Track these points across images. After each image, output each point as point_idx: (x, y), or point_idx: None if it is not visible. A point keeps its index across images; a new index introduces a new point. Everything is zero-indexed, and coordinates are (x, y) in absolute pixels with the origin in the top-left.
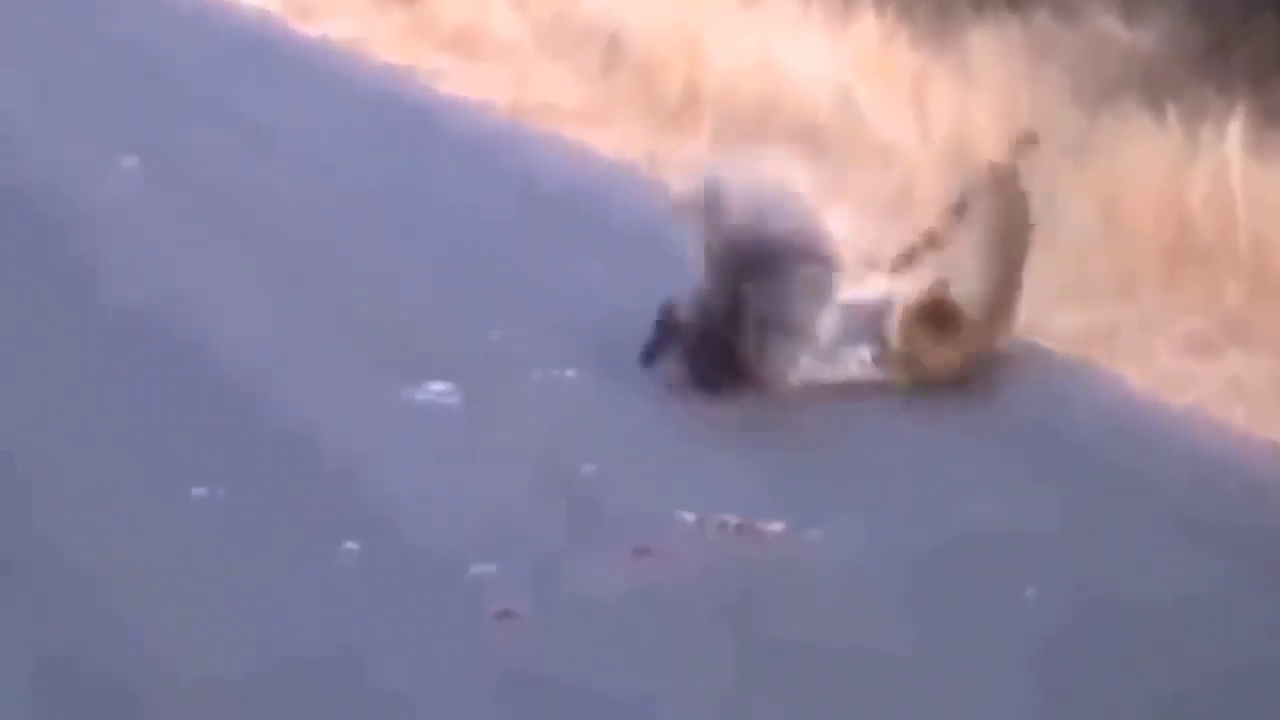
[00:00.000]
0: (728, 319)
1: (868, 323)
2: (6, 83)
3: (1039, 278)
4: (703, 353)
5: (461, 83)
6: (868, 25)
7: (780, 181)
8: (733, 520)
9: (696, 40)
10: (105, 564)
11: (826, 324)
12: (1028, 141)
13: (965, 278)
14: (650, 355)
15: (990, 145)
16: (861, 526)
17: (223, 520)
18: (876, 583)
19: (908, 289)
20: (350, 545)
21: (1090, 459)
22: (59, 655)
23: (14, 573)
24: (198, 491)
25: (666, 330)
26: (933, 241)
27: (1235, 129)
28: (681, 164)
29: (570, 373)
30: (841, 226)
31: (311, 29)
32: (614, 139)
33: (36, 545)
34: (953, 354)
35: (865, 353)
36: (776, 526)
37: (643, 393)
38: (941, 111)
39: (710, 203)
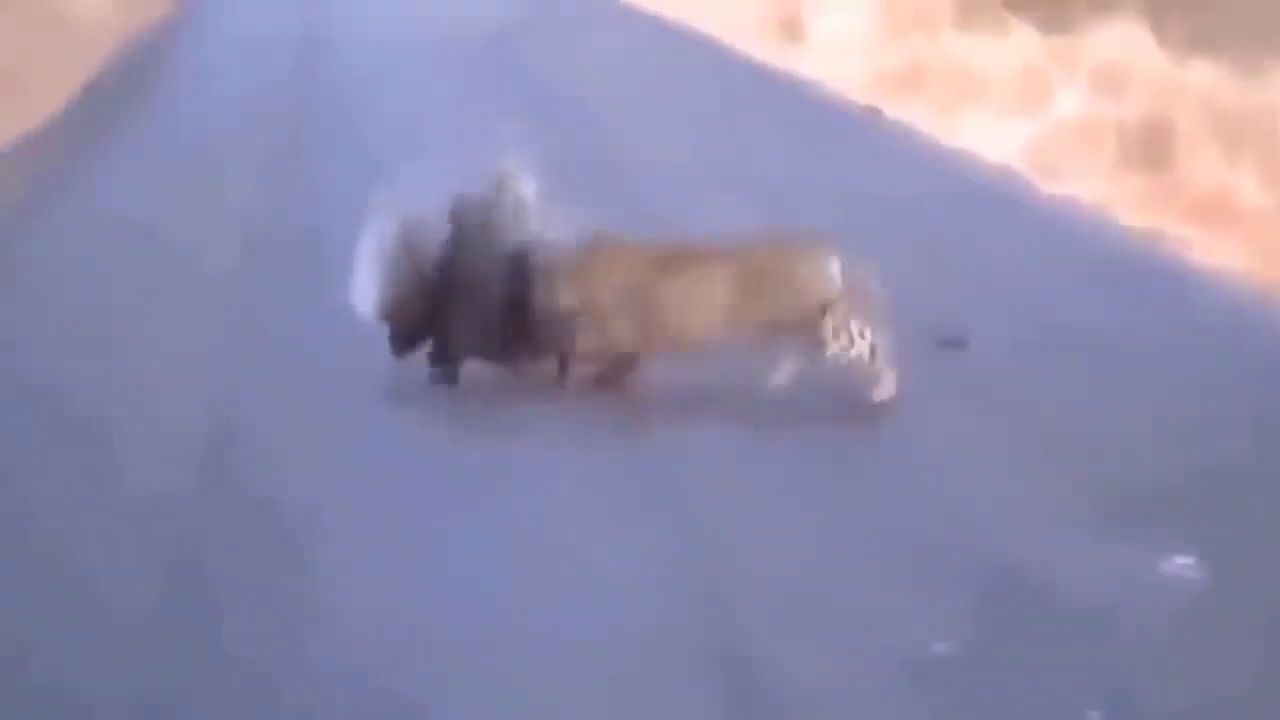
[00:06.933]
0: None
1: None
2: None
3: None
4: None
5: (1208, 252)
6: None
7: None
8: None
9: None
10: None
11: None
12: None
13: None
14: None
15: None
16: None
17: (963, 677)
18: None
19: None
20: (1094, 715)
21: None
22: None
23: None
24: (939, 647)
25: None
26: None
27: None
28: None
29: None
30: None
31: (1055, 187)
32: None
33: None
34: None
35: None
36: None
37: None
38: None
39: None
